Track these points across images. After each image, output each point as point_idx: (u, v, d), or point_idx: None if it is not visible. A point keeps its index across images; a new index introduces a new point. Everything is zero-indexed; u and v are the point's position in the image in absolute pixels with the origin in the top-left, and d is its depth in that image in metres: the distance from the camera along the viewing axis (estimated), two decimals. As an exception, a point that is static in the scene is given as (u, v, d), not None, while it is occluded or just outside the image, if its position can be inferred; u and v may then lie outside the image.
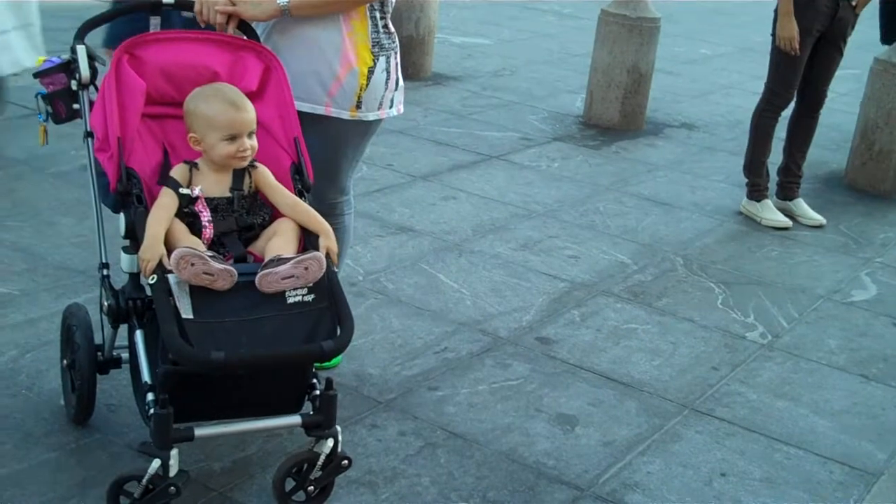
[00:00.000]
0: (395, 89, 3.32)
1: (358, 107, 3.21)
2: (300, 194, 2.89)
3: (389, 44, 3.25)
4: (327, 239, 2.76)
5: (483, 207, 5.38)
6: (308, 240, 2.78)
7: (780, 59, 5.40)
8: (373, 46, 3.18)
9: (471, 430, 3.32)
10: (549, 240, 5.02)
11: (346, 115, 3.21)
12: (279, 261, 2.59)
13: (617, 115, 7.14)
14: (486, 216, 5.25)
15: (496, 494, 3.00)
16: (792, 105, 5.63)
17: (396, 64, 3.31)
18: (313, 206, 2.88)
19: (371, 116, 3.26)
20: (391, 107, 3.33)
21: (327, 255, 2.70)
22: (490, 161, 6.18)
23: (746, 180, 5.71)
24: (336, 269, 2.76)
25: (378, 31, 3.21)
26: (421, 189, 5.55)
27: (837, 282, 4.93)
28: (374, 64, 3.20)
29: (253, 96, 2.95)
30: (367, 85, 3.19)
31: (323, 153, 3.19)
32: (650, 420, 3.52)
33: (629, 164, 6.43)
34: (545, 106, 7.61)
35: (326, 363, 3.43)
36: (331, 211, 3.32)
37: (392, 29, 3.28)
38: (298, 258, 2.59)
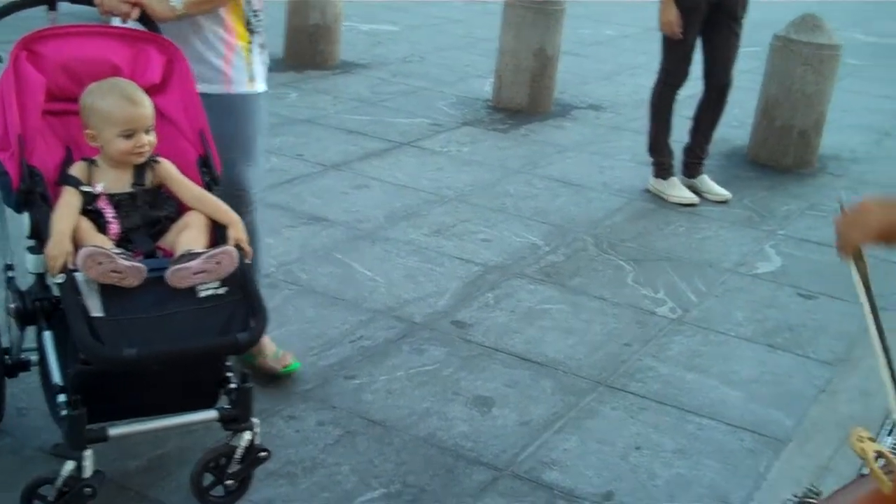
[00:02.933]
0: (265, 65, 3.33)
1: (252, 79, 3.22)
2: (208, 187, 2.87)
3: (257, 21, 3.25)
4: (236, 230, 2.75)
5: (395, 194, 5.39)
6: (220, 232, 2.76)
7: (668, 40, 5.51)
8: (247, 23, 3.19)
9: (389, 416, 3.34)
10: (461, 224, 5.06)
11: (244, 88, 3.20)
12: (190, 256, 2.56)
13: (525, 98, 7.20)
14: (399, 203, 5.26)
15: (416, 479, 3.03)
16: (698, 86, 5.74)
17: (265, 42, 3.31)
18: (224, 200, 2.86)
19: (263, 87, 3.27)
20: (265, 82, 3.34)
21: (239, 247, 2.69)
22: (401, 148, 6.18)
23: (652, 159, 5.82)
24: (248, 261, 2.74)
25: (251, 7, 3.21)
26: (332, 178, 5.53)
27: (743, 255, 5.05)
28: (251, 40, 3.21)
29: (156, 89, 2.91)
30: (250, 59, 3.20)
31: (232, 132, 3.17)
32: (565, 398, 3.58)
33: (538, 147, 6.50)
34: (454, 91, 7.64)
35: (286, 368, 3.43)
36: (240, 207, 3.31)
37: (257, 6, 3.26)
38: (210, 253, 2.57)
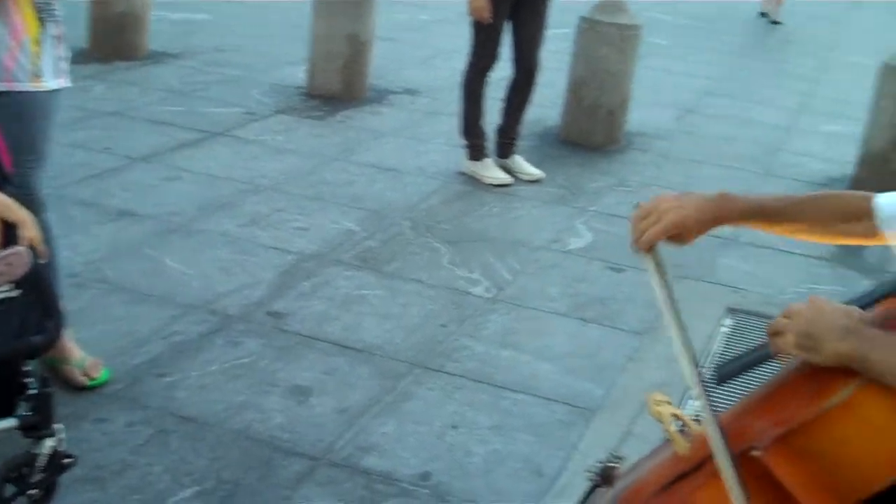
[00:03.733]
0: (64, 58, 3.19)
1: (38, 76, 3.07)
2: (-2, 185, 2.74)
3: (51, 11, 3.11)
4: (28, 229, 2.63)
5: (208, 185, 5.28)
6: (10, 232, 2.65)
7: (477, 24, 5.60)
8: (39, 12, 3.05)
9: (203, 412, 3.28)
10: (276, 213, 5.00)
11: (28, 86, 3.06)
12: (-23, 258, 2.45)
13: (339, 84, 7.17)
14: (212, 194, 5.16)
15: (231, 474, 2.99)
16: (509, 68, 5.85)
17: (62, 33, 3.17)
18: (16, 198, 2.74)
19: (53, 85, 3.12)
20: (65, 76, 3.19)
21: (32, 247, 2.58)
22: (214, 138, 6.07)
23: (465, 142, 5.89)
24: (43, 260, 2.64)
25: None
26: (141, 171, 5.38)
27: (556, 232, 5.18)
28: (43, 30, 3.07)
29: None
30: (40, 52, 3.06)
31: (16, 131, 3.03)
32: (383, 382, 3.59)
33: (354, 133, 6.49)
34: (268, 79, 7.54)
35: (94, 382, 3.32)
36: (31, 210, 3.17)
37: None
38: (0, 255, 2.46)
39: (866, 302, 1.64)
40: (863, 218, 1.86)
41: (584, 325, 4.21)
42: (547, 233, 5.15)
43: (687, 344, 1.73)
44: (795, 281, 4.86)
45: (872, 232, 1.86)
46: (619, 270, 4.77)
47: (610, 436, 3.39)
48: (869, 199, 1.86)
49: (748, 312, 4.47)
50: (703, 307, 4.41)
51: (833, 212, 1.89)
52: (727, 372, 1.84)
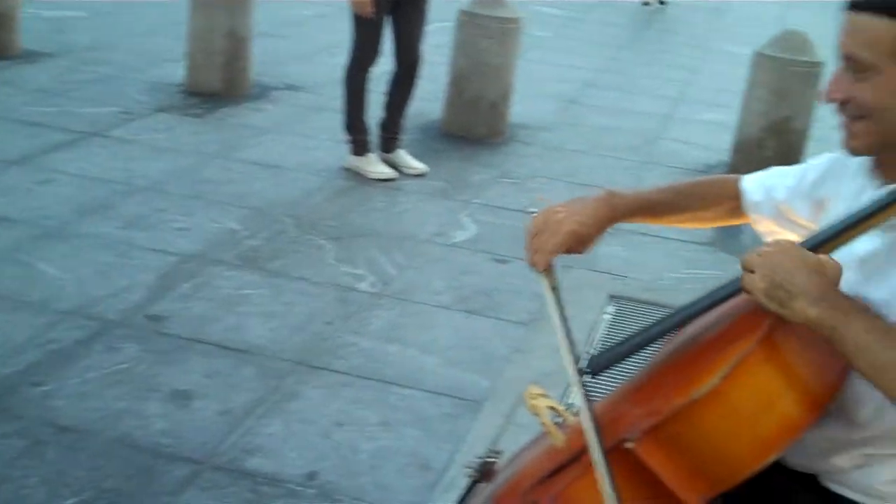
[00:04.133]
0: None
1: None
2: None
3: None
4: None
5: (84, 188, 5.14)
6: None
7: (359, 19, 5.57)
8: None
9: (81, 421, 3.19)
10: (156, 214, 4.90)
11: None
12: None
13: (219, 81, 7.04)
14: (88, 196, 5.03)
15: (112, 483, 2.92)
16: (391, 62, 5.83)
17: None
18: None
19: None
20: None
21: None
22: (89, 138, 5.91)
23: (348, 137, 5.86)
24: None
25: None
26: (14, 175, 5.21)
27: (441, 225, 5.19)
28: None
29: None
30: None
31: None
32: (267, 382, 3.55)
33: (235, 130, 6.39)
34: (146, 77, 7.37)
35: None
36: None
37: None
38: None
39: (812, 245, 1.57)
40: (735, 201, 1.90)
41: (469, 317, 4.23)
42: (432, 226, 5.16)
43: (575, 366, 1.72)
44: (675, 266, 4.96)
45: (743, 214, 1.91)
46: (503, 262, 4.80)
47: (497, 426, 3.41)
48: (737, 182, 1.90)
49: (629, 299, 4.55)
50: (586, 295, 4.47)
51: (710, 198, 1.93)
52: (601, 363, 1.85)
